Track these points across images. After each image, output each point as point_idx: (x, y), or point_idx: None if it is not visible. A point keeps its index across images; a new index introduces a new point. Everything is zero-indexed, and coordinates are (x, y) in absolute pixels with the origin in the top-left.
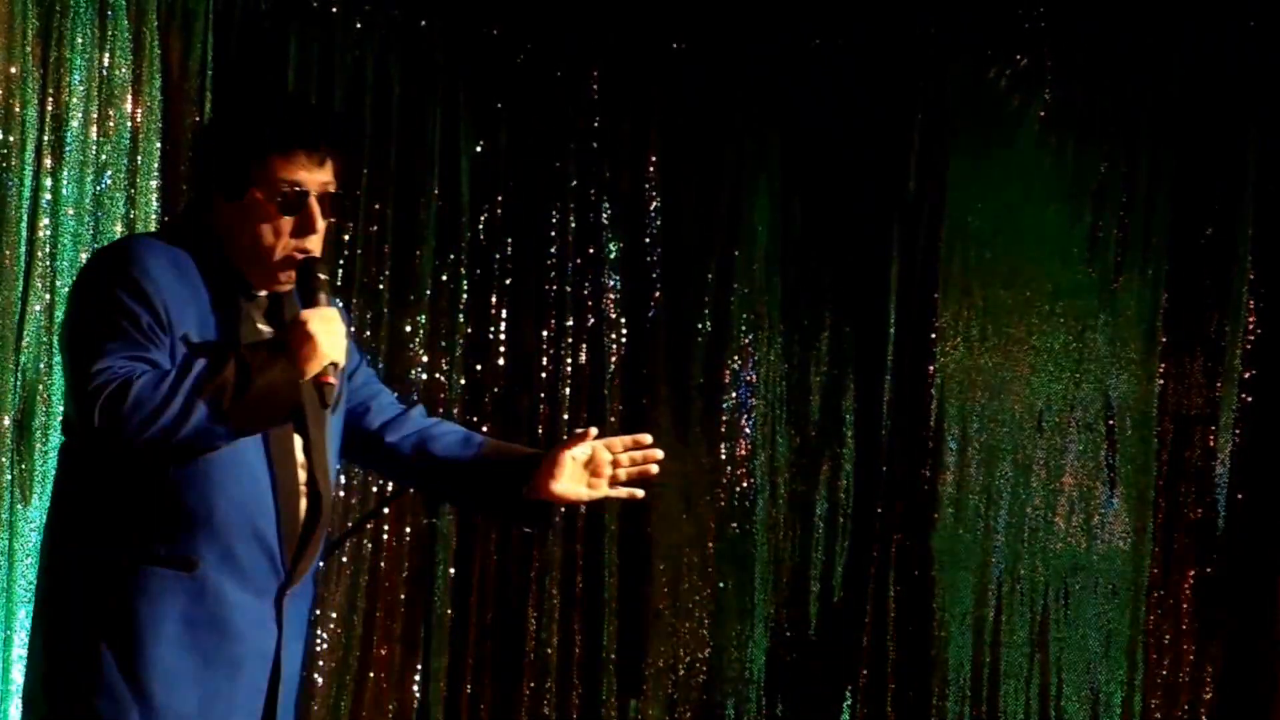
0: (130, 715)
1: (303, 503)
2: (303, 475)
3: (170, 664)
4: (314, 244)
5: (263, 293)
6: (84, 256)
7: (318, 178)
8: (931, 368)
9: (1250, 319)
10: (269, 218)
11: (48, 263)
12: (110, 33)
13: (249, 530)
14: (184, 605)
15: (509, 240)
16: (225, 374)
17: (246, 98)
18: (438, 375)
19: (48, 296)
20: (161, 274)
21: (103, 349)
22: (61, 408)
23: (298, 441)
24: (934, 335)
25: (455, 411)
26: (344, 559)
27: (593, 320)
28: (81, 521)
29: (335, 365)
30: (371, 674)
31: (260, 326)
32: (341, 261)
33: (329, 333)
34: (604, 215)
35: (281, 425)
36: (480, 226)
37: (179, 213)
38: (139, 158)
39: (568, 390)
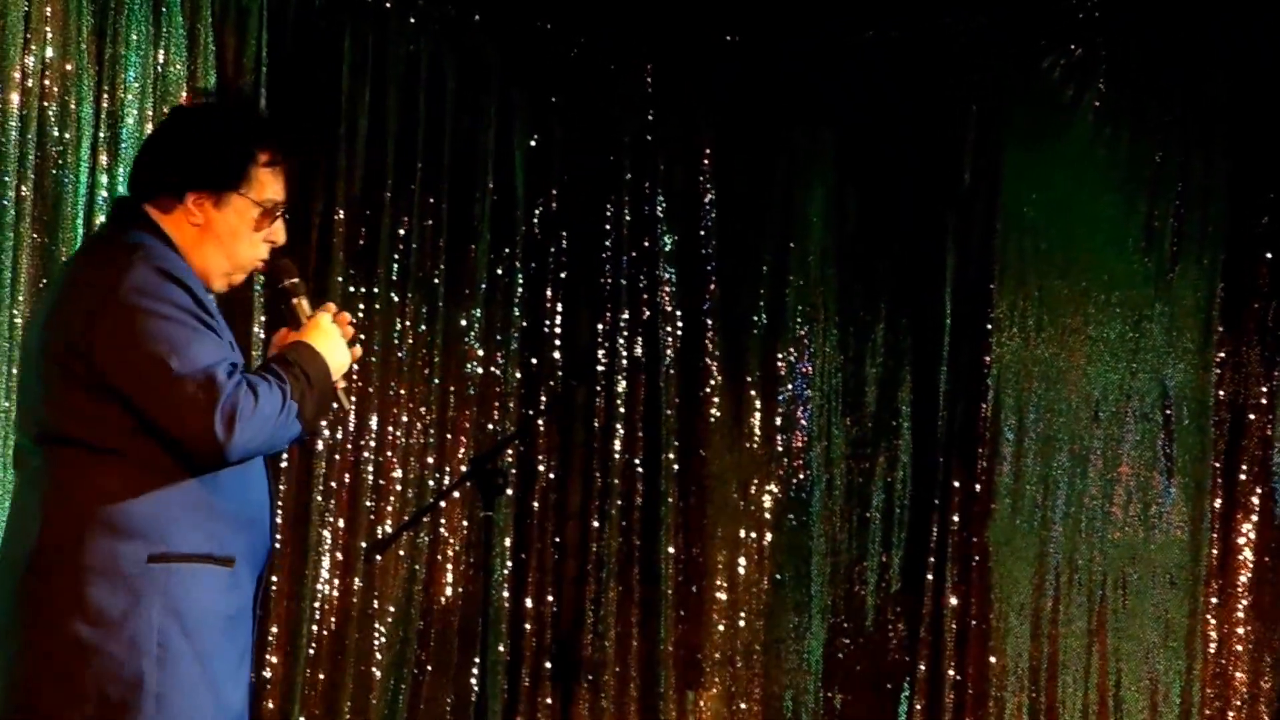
0: (206, 708)
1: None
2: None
3: (222, 656)
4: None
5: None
6: None
7: (287, 193)
8: (988, 358)
9: None
10: (247, 225)
11: None
12: (165, 30)
13: (263, 524)
14: (225, 600)
15: (564, 234)
16: (302, 383)
17: (224, 96)
18: (493, 369)
19: None
20: (183, 272)
21: (192, 351)
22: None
23: None
24: (990, 326)
25: (511, 405)
26: (400, 553)
27: (648, 313)
28: (114, 523)
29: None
30: (429, 667)
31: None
32: (397, 256)
33: (335, 346)
34: (658, 208)
35: None
36: (535, 220)
37: (124, 214)
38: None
39: (623, 383)
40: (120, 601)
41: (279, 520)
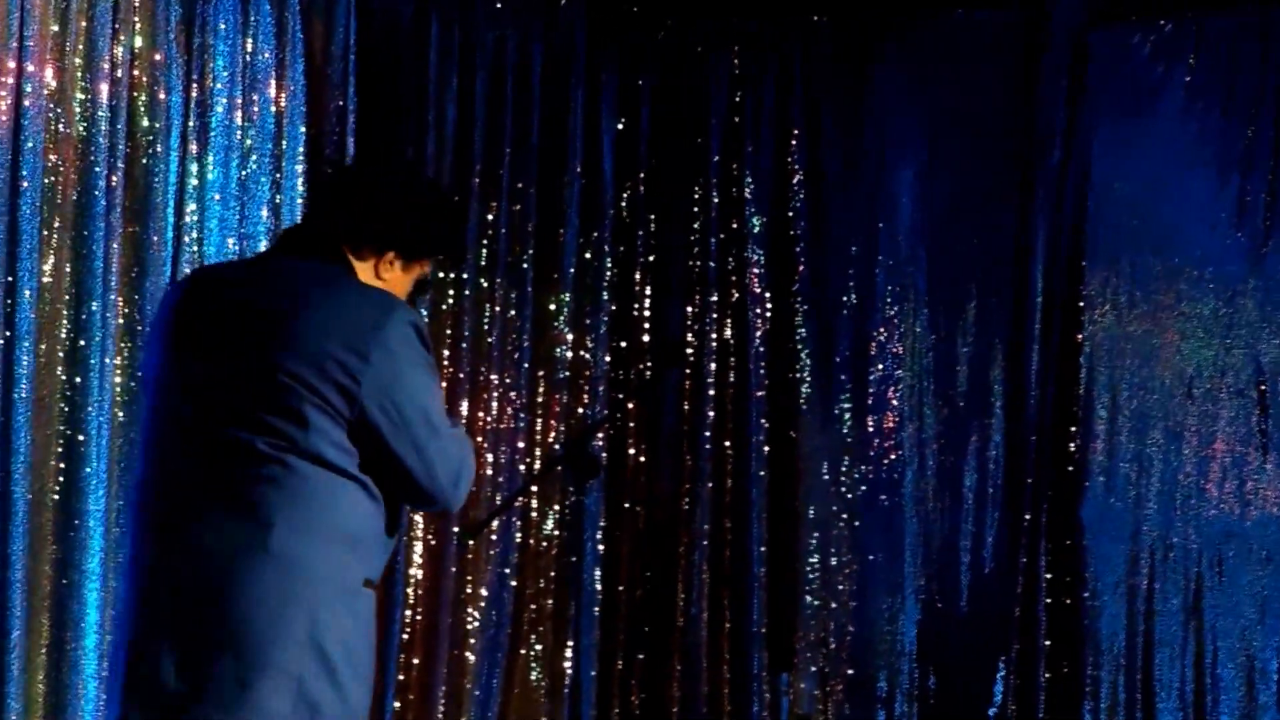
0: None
1: None
2: None
3: (365, 669)
4: None
5: None
6: (231, 242)
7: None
8: (1080, 336)
9: None
10: (407, 288)
11: (195, 248)
12: (252, 18)
13: (391, 534)
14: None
15: (652, 217)
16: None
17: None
18: (582, 353)
19: None
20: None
21: (443, 410)
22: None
23: None
24: (1082, 304)
25: (601, 389)
26: (493, 538)
27: (736, 295)
28: (345, 541)
29: None
30: (523, 651)
31: None
32: (485, 241)
33: None
34: (747, 190)
35: None
36: (623, 204)
37: (326, 245)
38: (283, 142)
39: (713, 365)
40: (343, 614)
41: None
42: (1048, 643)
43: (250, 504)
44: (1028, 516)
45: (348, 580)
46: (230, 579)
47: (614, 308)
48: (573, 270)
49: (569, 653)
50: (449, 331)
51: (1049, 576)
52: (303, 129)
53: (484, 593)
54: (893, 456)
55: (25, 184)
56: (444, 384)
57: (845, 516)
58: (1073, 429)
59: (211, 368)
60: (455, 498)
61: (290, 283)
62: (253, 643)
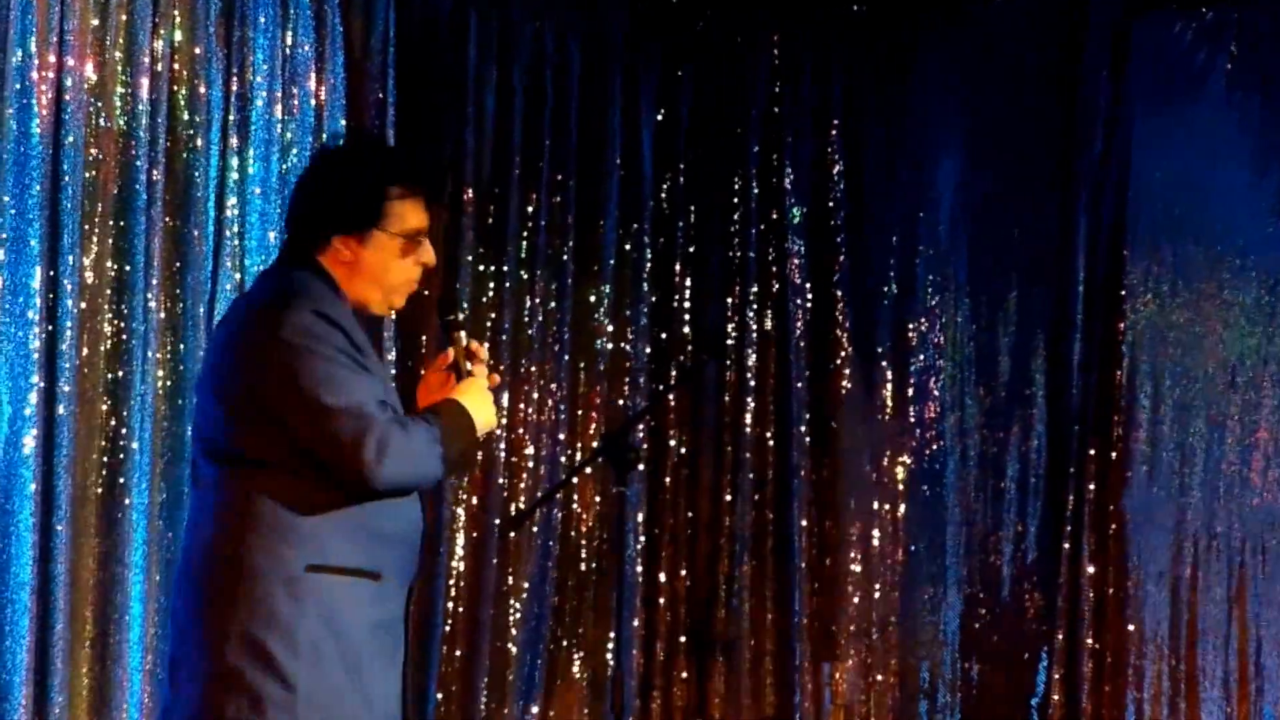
0: (355, 712)
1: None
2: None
3: (370, 663)
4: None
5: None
6: (272, 236)
7: (432, 212)
8: (1122, 325)
9: None
10: (393, 257)
11: (236, 242)
12: (292, 11)
13: (413, 541)
14: (373, 610)
15: (692, 208)
16: (450, 432)
17: (359, 141)
18: (623, 345)
19: (237, 276)
20: (340, 315)
21: (346, 388)
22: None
23: None
24: (1124, 293)
25: (641, 380)
26: (534, 529)
27: (777, 286)
28: (278, 531)
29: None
30: (564, 643)
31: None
32: (525, 234)
33: (484, 405)
34: (787, 181)
35: None
36: (663, 195)
37: (289, 253)
38: (323, 135)
39: (753, 357)
40: (281, 604)
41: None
42: (1091, 633)
43: (196, 520)
44: (1070, 506)
45: (284, 570)
46: (180, 590)
47: (654, 299)
48: (612, 262)
49: (611, 644)
50: (489, 324)
51: (1092, 566)
52: (343, 122)
53: (525, 585)
54: (934, 447)
55: (66, 179)
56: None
57: (887, 507)
58: (1115, 418)
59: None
60: (378, 473)
61: (232, 309)
62: (196, 644)
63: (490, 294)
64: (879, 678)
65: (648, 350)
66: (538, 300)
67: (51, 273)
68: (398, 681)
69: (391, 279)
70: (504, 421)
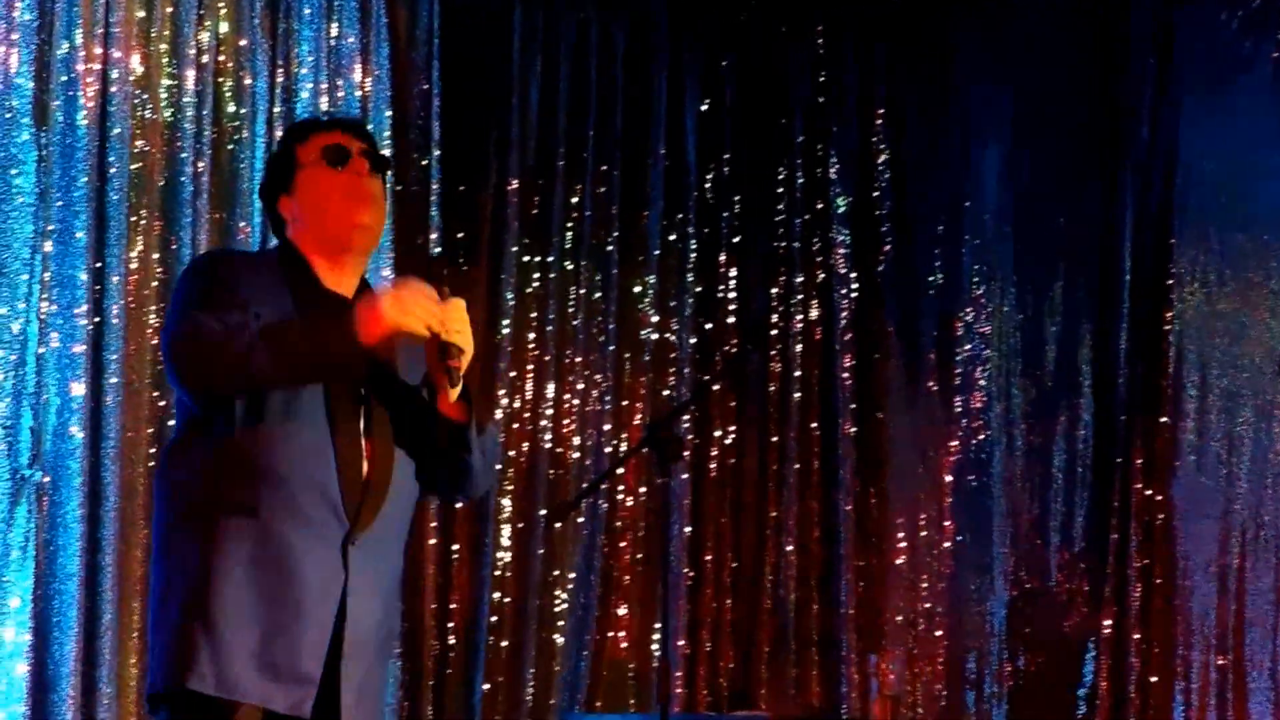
0: (199, 649)
1: (364, 464)
2: (366, 442)
3: (234, 601)
4: (369, 215)
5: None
6: None
7: (357, 143)
8: (1169, 314)
9: None
10: (319, 182)
11: None
12: (336, 2)
13: (309, 481)
14: (249, 548)
15: (736, 198)
16: (285, 326)
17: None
18: (667, 335)
19: None
20: (242, 263)
21: (188, 311)
22: None
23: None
24: (1170, 281)
25: (686, 370)
26: (579, 519)
27: (822, 276)
28: (174, 473)
29: (462, 351)
30: (610, 633)
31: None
32: (570, 224)
33: (401, 307)
34: (831, 170)
35: (344, 381)
36: (707, 185)
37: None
38: (368, 126)
39: (798, 346)
40: (181, 547)
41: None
42: (1138, 623)
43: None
44: (1117, 496)
45: (190, 508)
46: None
47: (698, 289)
48: (657, 252)
49: (656, 634)
50: (534, 315)
51: (1139, 556)
52: (388, 113)
53: (571, 575)
54: (981, 436)
55: (113, 170)
56: (530, 366)
57: (933, 497)
58: (1162, 408)
59: None
60: (172, 363)
61: None
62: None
63: (535, 285)
64: (925, 667)
65: (692, 340)
66: (582, 291)
67: (98, 265)
68: (298, 629)
69: (328, 219)
70: (549, 412)
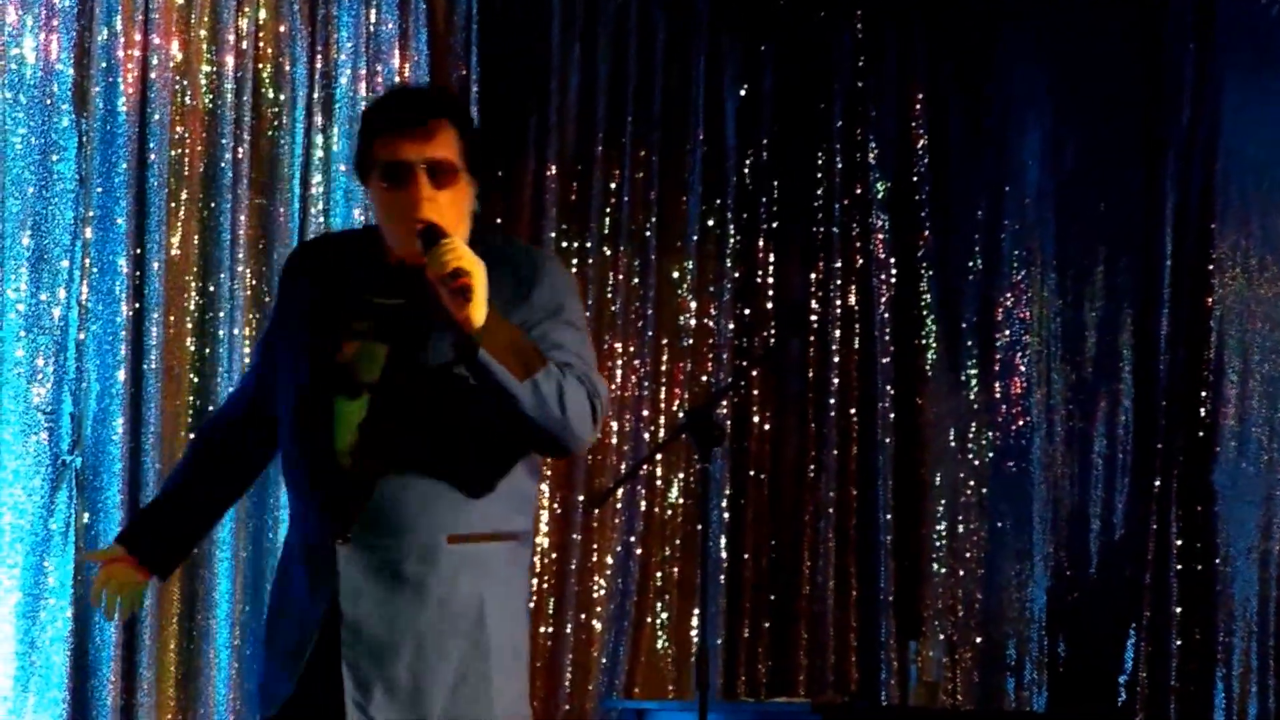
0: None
1: (347, 458)
2: (350, 437)
3: (267, 621)
4: (430, 211)
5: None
6: (357, 213)
7: (423, 153)
8: (1210, 299)
9: None
10: (379, 196)
11: (321, 219)
12: None
13: (293, 483)
14: (282, 561)
15: (775, 183)
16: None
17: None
18: (706, 321)
19: None
20: (307, 263)
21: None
22: None
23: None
24: (1211, 267)
25: (725, 357)
26: (618, 506)
27: (861, 261)
28: None
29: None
30: (649, 619)
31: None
32: (609, 210)
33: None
34: (870, 155)
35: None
36: (746, 170)
37: None
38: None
39: (837, 332)
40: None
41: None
42: (1179, 609)
43: None
44: (1158, 482)
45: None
46: None
47: (737, 275)
48: (695, 238)
49: (695, 621)
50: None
51: (1180, 542)
52: None
53: (610, 561)
54: (1021, 422)
55: (153, 156)
56: None
57: (973, 483)
58: (1203, 393)
59: None
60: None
61: None
62: None
63: (574, 270)
64: (965, 654)
65: (731, 326)
66: (621, 276)
67: (138, 251)
68: (288, 630)
69: (389, 225)
70: None
